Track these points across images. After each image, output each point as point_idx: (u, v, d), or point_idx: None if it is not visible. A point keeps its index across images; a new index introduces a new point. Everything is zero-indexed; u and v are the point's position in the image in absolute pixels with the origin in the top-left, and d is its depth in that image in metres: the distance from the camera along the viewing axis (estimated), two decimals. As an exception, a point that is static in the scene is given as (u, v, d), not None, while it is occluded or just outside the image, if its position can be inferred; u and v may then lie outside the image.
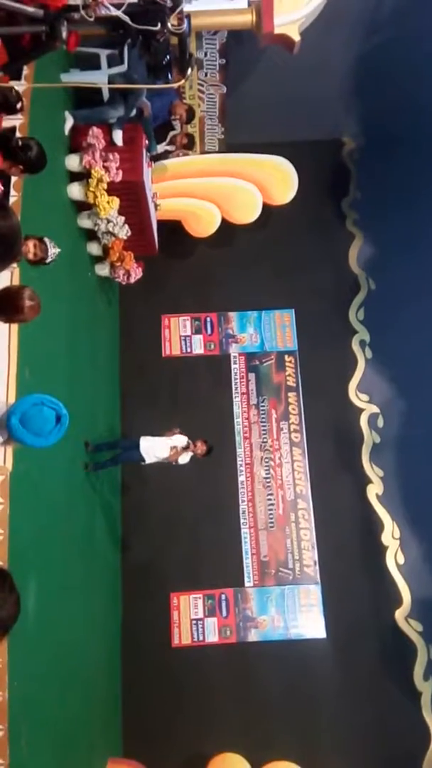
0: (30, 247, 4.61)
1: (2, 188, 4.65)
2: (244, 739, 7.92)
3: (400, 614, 8.84)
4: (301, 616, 8.93)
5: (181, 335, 10.15)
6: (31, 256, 4.64)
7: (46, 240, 4.67)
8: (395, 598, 8.91)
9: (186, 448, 7.52)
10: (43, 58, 5.50)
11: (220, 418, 9.71)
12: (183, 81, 7.45)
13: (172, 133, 8.66)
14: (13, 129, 5.40)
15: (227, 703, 8.37)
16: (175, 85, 7.52)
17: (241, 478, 9.53)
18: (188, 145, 8.98)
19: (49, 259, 4.75)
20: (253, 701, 8.39)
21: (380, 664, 8.68)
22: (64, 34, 4.59)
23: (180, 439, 7.60)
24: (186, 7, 5.91)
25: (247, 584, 9.04)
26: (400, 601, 8.88)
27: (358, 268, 10.55)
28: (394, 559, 9.03)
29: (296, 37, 7.59)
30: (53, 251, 4.72)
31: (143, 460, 7.56)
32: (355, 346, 10.12)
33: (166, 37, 5.64)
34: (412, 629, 8.75)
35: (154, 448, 7.53)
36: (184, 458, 7.60)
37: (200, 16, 7.12)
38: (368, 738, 8.27)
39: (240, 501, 9.40)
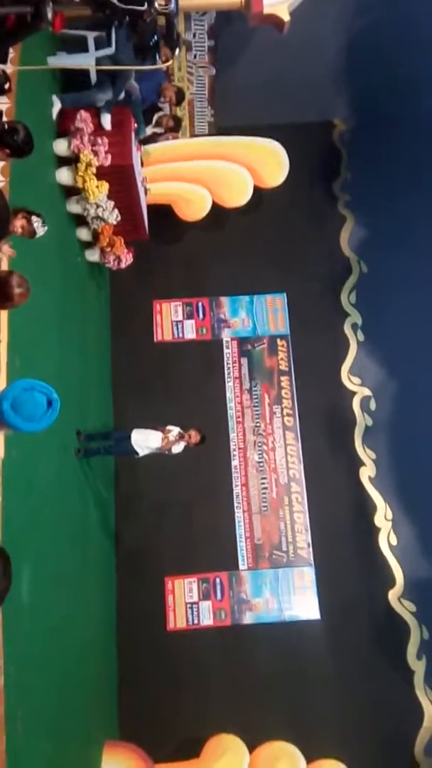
0: (17, 227, 4.57)
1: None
2: (239, 721, 7.99)
3: (393, 595, 8.91)
4: (296, 598, 8.99)
5: (172, 320, 10.12)
6: (18, 231, 4.61)
7: (33, 219, 4.63)
8: (388, 578, 8.98)
9: (179, 438, 7.49)
10: (29, 41, 5.46)
11: (213, 403, 9.71)
12: (170, 62, 7.38)
13: (158, 115, 8.58)
14: (-1, 113, 5.34)
15: (223, 686, 8.44)
16: (163, 66, 7.45)
17: (235, 462, 9.55)
18: (175, 127, 8.89)
19: (37, 235, 4.71)
20: (248, 683, 8.45)
21: (374, 644, 8.76)
22: (50, 15, 4.55)
23: (172, 431, 7.54)
24: (173, -13, 5.86)
25: (241, 567, 9.08)
26: (393, 582, 8.95)
27: (350, 250, 10.53)
28: (386, 540, 9.10)
29: (286, 17, 7.53)
30: (41, 230, 4.68)
31: (136, 453, 7.52)
32: (347, 329, 10.13)
33: (153, 17, 5.60)
34: (405, 609, 8.83)
35: (147, 440, 7.48)
36: (178, 447, 7.55)
37: (188, -4, 7.04)
38: (362, 717, 8.35)
39: (233, 485, 9.43)
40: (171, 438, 7.41)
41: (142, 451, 7.49)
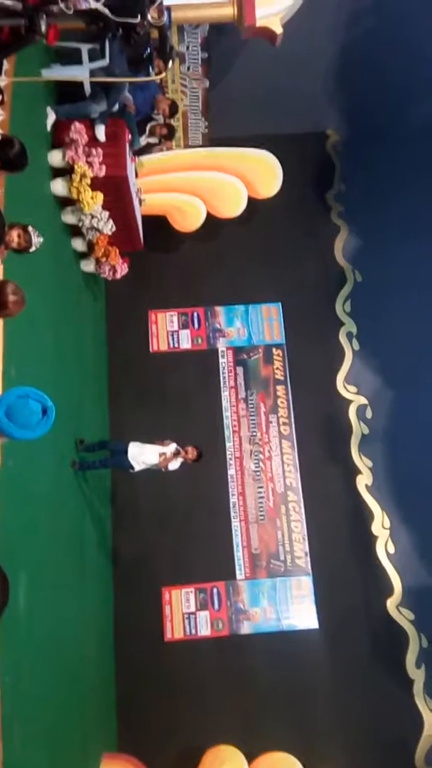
0: (14, 237, 4.56)
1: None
2: (238, 731, 7.95)
3: (391, 603, 8.89)
4: (293, 607, 8.96)
5: (168, 330, 10.15)
6: (15, 245, 4.59)
7: (30, 229, 4.62)
8: (386, 587, 8.95)
9: (176, 455, 7.47)
10: (23, 54, 5.48)
11: (209, 413, 9.72)
12: (164, 74, 7.44)
13: (150, 124, 8.62)
14: (-7, 125, 5.38)
15: (221, 696, 8.39)
16: (157, 78, 7.52)
17: (231, 471, 9.55)
18: (168, 135, 8.92)
19: (32, 248, 4.70)
20: (246, 693, 8.41)
21: (373, 653, 8.73)
22: (43, 28, 4.59)
23: (169, 446, 7.53)
24: (166, 0, 5.91)
25: (238, 577, 9.06)
26: (392, 590, 8.93)
27: (344, 260, 10.59)
28: (384, 548, 9.08)
29: (278, 30, 7.62)
30: (37, 240, 4.67)
31: (132, 468, 7.49)
32: (343, 338, 10.16)
33: (146, 29, 5.64)
34: (403, 618, 8.80)
35: (143, 455, 7.45)
36: (174, 464, 7.52)
37: (181, 9, 7.13)
38: (362, 726, 8.31)
39: (230, 494, 9.42)
40: (168, 454, 7.39)
41: (138, 465, 7.45)
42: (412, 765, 8.28)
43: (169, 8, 6.29)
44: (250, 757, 7.78)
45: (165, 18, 5.99)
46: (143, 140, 8.56)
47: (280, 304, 10.36)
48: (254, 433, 9.73)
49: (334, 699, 8.47)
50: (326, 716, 8.37)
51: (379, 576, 9.02)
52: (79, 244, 8.09)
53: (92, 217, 7.58)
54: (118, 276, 8.54)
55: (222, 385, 9.93)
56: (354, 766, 7.94)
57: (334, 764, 7.86)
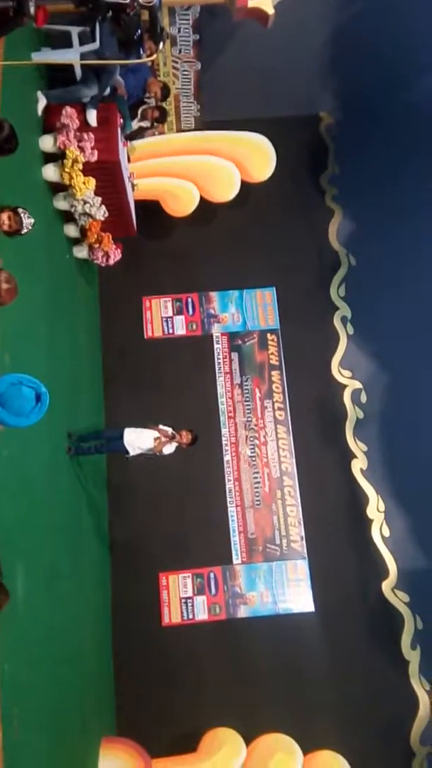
0: (4, 219, 4.50)
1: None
2: (236, 714, 8.02)
3: (386, 586, 8.95)
4: (290, 590, 9.02)
5: (162, 316, 10.11)
6: (6, 227, 4.53)
7: (20, 210, 4.56)
8: (382, 570, 9.01)
9: (171, 439, 7.46)
10: (13, 37, 5.42)
11: (204, 399, 9.72)
12: (155, 56, 7.36)
13: (142, 108, 8.53)
14: (-17, 109, 5.32)
15: (218, 680, 8.45)
16: (148, 60, 7.43)
17: (227, 457, 9.56)
18: (160, 118, 8.83)
19: (24, 230, 4.63)
20: (244, 676, 8.47)
21: (368, 635, 8.80)
22: (32, 10, 4.53)
23: (164, 430, 7.52)
24: (156, -19, 5.84)
25: (235, 561, 9.10)
26: (387, 573, 8.99)
27: (339, 244, 10.53)
28: (379, 531, 9.13)
29: (270, 11, 7.53)
30: (28, 221, 4.60)
31: (127, 453, 7.50)
32: (337, 323, 10.13)
33: (136, 11, 5.58)
34: (398, 600, 8.87)
35: (138, 440, 7.44)
36: (169, 448, 7.52)
37: (171, -10, 7.03)
38: (358, 708, 8.39)
39: (226, 480, 9.44)
40: (163, 438, 7.38)
41: (133, 450, 7.45)
42: (407, 745, 8.39)
43: (159, -11, 6.22)
44: (248, 739, 7.87)
45: (155, -1, 5.93)
46: (135, 124, 8.47)
47: (274, 288, 10.31)
48: (249, 419, 9.74)
49: (331, 681, 8.54)
50: (323, 698, 8.44)
51: (375, 559, 9.07)
52: (71, 230, 8.03)
53: (84, 202, 7.52)
54: (112, 262, 8.48)
55: (217, 370, 9.92)
56: (350, 747, 8.00)
57: (330, 745, 7.94)
